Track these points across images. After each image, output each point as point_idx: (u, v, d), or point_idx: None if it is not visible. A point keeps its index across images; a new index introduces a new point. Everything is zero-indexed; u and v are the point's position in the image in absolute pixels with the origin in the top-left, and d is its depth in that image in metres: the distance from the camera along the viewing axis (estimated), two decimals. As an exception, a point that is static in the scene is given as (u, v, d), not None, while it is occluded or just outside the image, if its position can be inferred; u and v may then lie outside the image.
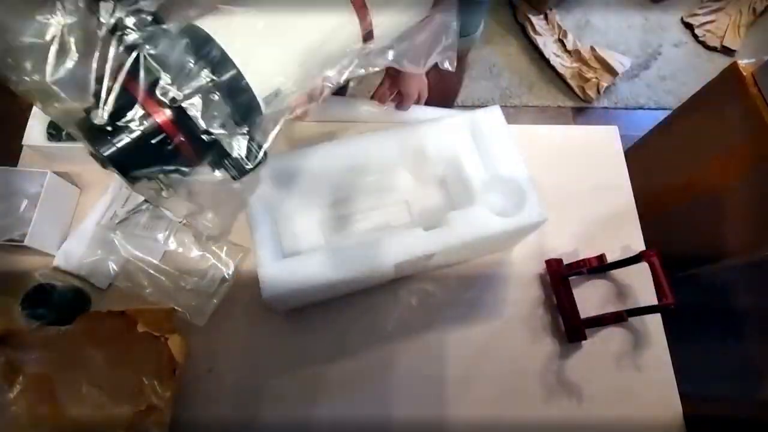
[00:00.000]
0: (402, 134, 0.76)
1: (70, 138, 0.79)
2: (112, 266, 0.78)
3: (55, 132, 0.80)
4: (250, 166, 0.47)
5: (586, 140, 0.93)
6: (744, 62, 0.99)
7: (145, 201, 0.81)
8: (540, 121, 1.80)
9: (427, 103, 1.36)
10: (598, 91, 1.79)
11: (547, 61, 1.85)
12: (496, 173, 0.72)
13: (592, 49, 1.84)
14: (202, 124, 0.43)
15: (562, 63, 1.84)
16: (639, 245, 0.84)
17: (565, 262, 0.81)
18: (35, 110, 0.81)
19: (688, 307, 1.07)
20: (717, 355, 1.04)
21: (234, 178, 0.48)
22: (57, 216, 0.80)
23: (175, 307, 0.75)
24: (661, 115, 1.30)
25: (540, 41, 1.86)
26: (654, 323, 0.79)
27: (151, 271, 0.78)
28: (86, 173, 0.86)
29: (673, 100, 1.83)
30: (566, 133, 0.95)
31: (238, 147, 0.46)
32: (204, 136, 0.43)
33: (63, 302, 0.72)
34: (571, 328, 0.78)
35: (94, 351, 0.68)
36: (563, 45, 1.87)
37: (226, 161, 0.47)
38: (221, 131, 0.44)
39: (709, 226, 1.11)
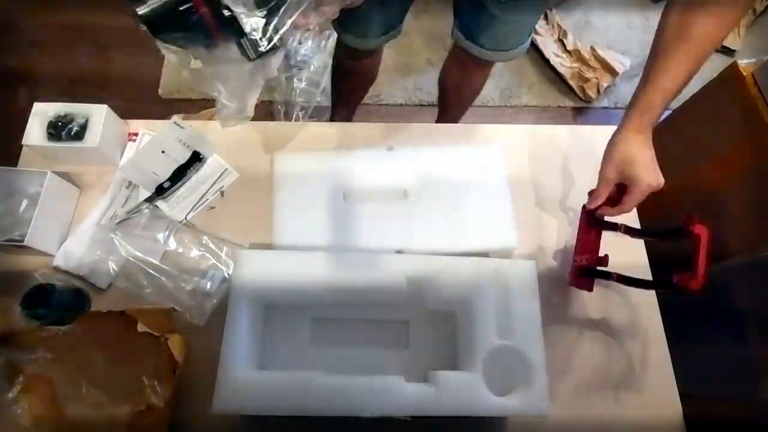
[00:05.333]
0: (414, 260, 0.70)
1: (70, 138, 0.80)
2: (112, 266, 0.78)
3: (54, 132, 0.80)
4: (263, 48, 0.52)
5: (586, 140, 0.93)
6: (744, 62, 0.99)
7: (145, 201, 0.81)
8: (540, 121, 1.80)
9: (448, 104, 1.39)
10: (598, 91, 1.79)
11: (547, 61, 1.85)
12: (509, 342, 0.66)
13: (592, 49, 1.84)
14: None
15: (562, 63, 1.84)
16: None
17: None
18: (35, 110, 0.81)
19: (688, 307, 1.07)
20: (717, 355, 1.04)
21: (248, 59, 0.53)
22: (57, 216, 0.80)
23: (175, 307, 0.75)
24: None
25: (540, 41, 1.86)
26: (654, 323, 0.79)
27: (151, 271, 0.78)
28: (86, 173, 0.86)
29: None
30: (566, 133, 0.95)
31: (255, 27, 0.51)
32: (225, 11, 0.49)
33: (63, 302, 0.72)
34: (579, 273, 0.75)
35: (94, 351, 0.68)
36: (563, 45, 1.87)
37: (242, 40, 0.51)
38: (241, 9, 0.49)
39: (709, 226, 1.11)
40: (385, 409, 0.61)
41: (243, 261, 0.69)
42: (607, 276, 0.74)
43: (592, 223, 0.78)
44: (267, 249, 0.77)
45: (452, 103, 1.40)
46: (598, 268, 0.74)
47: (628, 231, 0.76)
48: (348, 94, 1.42)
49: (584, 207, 0.78)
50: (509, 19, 0.93)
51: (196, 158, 0.84)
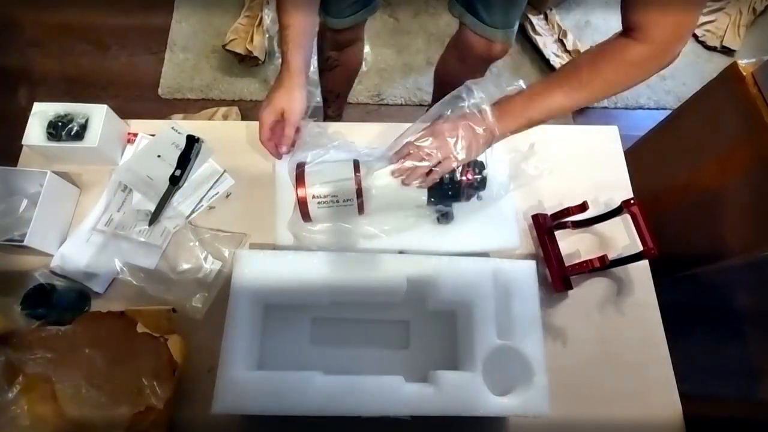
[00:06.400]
0: (415, 260, 0.70)
1: (70, 138, 0.80)
2: (111, 268, 0.78)
3: (54, 132, 0.80)
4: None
5: (586, 140, 0.93)
6: (744, 62, 0.99)
7: (163, 197, 0.81)
8: (540, 121, 1.80)
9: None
10: (598, 91, 1.79)
11: (547, 61, 1.85)
12: (509, 342, 0.66)
13: (592, 49, 1.84)
14: None
15: (562, 63, 1.84)
16: (639, 245, 0.84)
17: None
18: (35, 110, 0.81)
19: (688, 307, 1.07)
20: (717, 355, 1.04)
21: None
22: (57, 216, 0.80)
23: (174, 308, 0.75)
24: (661, 115, 1.29)
25: (540, 41, 1.86)
26: (654, 323, 0.79)
27: (150, 271, 0.78)
28: (86, 173, 0.86)
29: (673, 100, 1.82)
30: (566, 133, 0.95)
31: None
32: None
33: (63, 302, 0.72)
34: (557, 277, 0.79)
35: (94, 351, 0.67)
36: (563, 45, 1.87)
37: None
38: None
39: (709, 226, 1.11)
40: (385, 409, 0.61)
41: (243, 261, 0.69)
42: (583, 267, 0.76)
43: (542, 230, 0.82)
44: (267, 249, 0.77)
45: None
46: (597, 267, 0.75)
47: (576, 225, 0.82)
48: (337, 86, 1.43)
49: (533, 217, 0.84)
50: None
51: (193, 142, 0.84)
